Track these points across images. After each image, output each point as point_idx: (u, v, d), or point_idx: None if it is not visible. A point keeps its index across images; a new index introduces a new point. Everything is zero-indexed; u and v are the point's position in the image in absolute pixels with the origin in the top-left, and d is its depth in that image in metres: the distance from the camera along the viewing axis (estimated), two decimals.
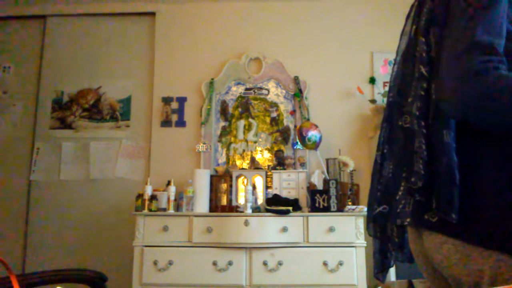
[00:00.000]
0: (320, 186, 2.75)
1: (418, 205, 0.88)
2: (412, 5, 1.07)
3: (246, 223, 2.44)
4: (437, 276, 0.93)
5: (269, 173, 2.92)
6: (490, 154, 0.81)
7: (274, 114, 3.12)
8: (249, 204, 2.56)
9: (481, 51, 0.75)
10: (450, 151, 0.81)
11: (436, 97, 0.83)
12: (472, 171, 0.81)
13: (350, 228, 2.46)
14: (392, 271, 2.53)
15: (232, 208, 2.63)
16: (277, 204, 2.56)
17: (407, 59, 1.02)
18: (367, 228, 1.11)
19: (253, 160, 3.02)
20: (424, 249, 0.91)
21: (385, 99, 2.60)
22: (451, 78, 0.78)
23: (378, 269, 1.11)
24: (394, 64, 1.10)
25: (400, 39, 1.10)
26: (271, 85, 3.16)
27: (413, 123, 0.88)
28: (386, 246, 1.09)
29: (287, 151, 3.02)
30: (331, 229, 2.45)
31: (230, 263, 2.42)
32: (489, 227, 0.77)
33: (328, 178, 2.78)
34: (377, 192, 1.02)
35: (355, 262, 2.41)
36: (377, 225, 1.09)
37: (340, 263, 2.40)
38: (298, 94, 3.08)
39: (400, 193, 0.94)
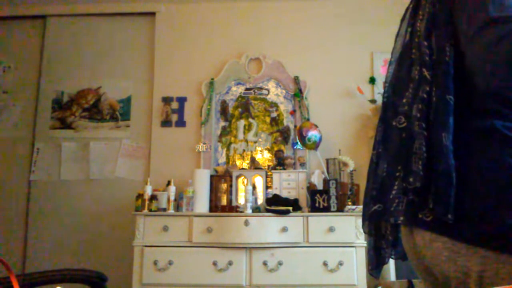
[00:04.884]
0: (320, 186, 2.75)
1: (412, 204, 0.90)
2: (407, 8, 1.09)
3: (246, 223, 2.44)
4: (429, 273, 0.95)
5: (269, 173, 2.92)
6: (478, 155, 0.83)
7: (274, 114, 3.12)
8: (249, 204, 2.56)
9: (497, 24, 0.76)
10: (448, 153, 0.82)
11: (482, 89, 0.84)
12: (461, 171, 0.82)
13: (350, 228, 2.46)
14: (392, 271, 2.54)
15: (232, 208, 2.63)
16: (277, 204, 2.56)
17: (402, 61, 1.04)
18: (362, 226, 1.13)
19: (253, 160, 3.02)
20: (416, 247, 0.93)
21: None
22: (477, 60, 0.79)
23: (372, 266, 1.13)
24: (389, 65, 1.12)
25: (395, 41, 1.12)
26: (271, 85, 3.16)
27: (414, 124, 0.89)
28: (380, 243, 1.11)
29: (287, 151, 3.02)
30: (331, 229, 2.45)
31: (230, 263, 2.42)
32: (475, 225, 0.79)
33: (328, 178, 2.79)
34: (373, 191, 1.04)
35: (355, 262, 2.42)
36: (371, 223, 1.11)
37: (340, 263, 2.40)
38: (298, 94, 3.08)
39: (393, 192, 0.95)
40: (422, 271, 0.97)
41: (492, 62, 0.76)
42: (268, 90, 3.15)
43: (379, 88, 3.09)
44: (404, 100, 0.95)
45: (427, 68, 0.90)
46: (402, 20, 1.11)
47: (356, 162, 2.82)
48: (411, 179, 0.87)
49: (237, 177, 2.85)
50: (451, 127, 0.84)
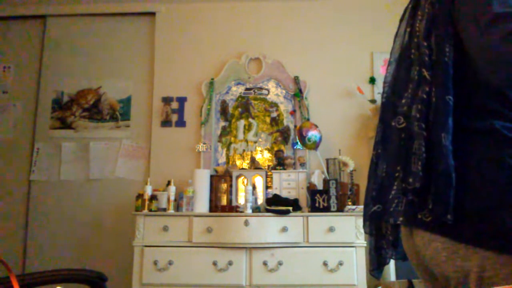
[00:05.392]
0: (320, 186, 2.75)
1: (411, 205, 0.90)
2: (406, 8, 1.09)
3: (246, 223, 2.44)
4: (429, 273, 0.95)
5: (269, 173, 2.92)
6: (478, 155, 0.83)
7: (274, 114, 3.12)
8: (249, 204, 2.56)
9: (504, 20, 0.76)
10: (448, 154, 0.82)
11: (487, 81, 0.85)
12: (460, 171, 0.82)
13: (350, 228, 2.46)
14: (392, 271, 2.53)
15: (232, 208, 2.63)
16: (277, 204, 2.56)
17: (401, 61, 1.04)
18: (363, 226, 1.13)
19: (253, 160, 3.02)
20: (415, 247, 0.93)
21: None
22: (485, 56, 0.79)
23: (373, 266, 1.13)
24: (388, 66, 1.12)
25: (394, 41, 1.12)
26: (271, 85, 3.15)
27: (414, 125, 0.89)
28: (380, 243, 1.11)
29: (287, 151, 3.02)
30: (331, 229, 2.45)
31: (230, 263, 2.42)
32: (475, 225, 0.79)
33: (328, 178, 2.79)
34: (373, 191, 1.04)
35: (355, 262, 2.42)
36: (372, 223, 1.11)
37: (340, 263, 2.40)
38: (298, 94, 3.08)
39: (393, 192, 0.95)
40: (422, 271, 0.97)
41: (496, 60, 0.77)
42: (268, 90, 3.15)
43: (379, 88, 3.08)
44: (403, 101, 0.95)
45: (426, 69, 0.90)
46: (401, 20, 1.11)
47: (356, 162, 2.82)
48: (410, 180, 0.87)
49: (237, 177, 2.85)
50: (451, 127, 0.84)
